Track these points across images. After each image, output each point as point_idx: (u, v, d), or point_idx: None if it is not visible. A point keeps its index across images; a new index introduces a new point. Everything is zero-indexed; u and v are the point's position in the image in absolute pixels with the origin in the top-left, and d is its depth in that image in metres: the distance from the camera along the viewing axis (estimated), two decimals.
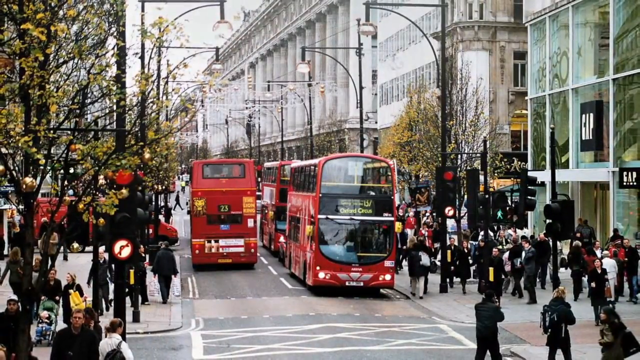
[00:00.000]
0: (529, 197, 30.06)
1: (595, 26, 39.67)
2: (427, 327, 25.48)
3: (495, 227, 38.43)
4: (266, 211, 48.09)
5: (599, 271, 25.69)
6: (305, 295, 32.00)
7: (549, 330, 19.26)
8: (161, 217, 52.53)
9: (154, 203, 42.27)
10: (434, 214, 41.36)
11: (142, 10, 28.66)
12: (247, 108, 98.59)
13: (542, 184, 37.22)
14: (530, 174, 32.53)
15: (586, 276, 27.94)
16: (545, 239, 31.13)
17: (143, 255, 30.46)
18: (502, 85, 53.61)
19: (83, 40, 15.18)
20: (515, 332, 24.18)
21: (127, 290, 22.95)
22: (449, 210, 32.83)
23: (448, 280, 32.71)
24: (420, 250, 31.72)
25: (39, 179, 14.38)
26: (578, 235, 32.57)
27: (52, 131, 14.42)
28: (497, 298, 26.07)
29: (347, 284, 31.37)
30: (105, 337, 15.70)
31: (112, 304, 23.37)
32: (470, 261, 33.84)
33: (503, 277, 30.28)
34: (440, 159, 36.52)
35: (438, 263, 33.80)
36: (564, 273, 30.59)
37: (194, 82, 49.64)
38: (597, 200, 39.71)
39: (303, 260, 33.78)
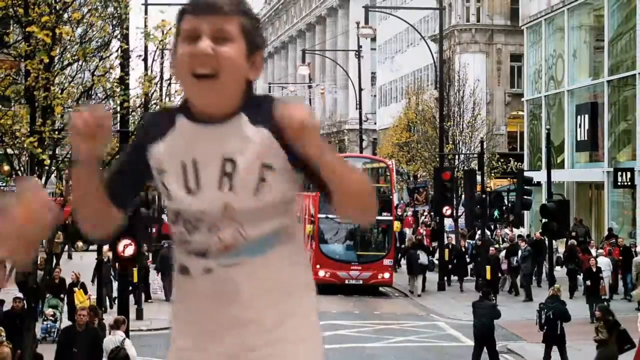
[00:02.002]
0: (525, 197, 30.38)
1: (590, 29, 39.96)
2: (425, 325, 25.67)
3: (492, 226, 38.68)
4: None
5: (594, 269, 25.82)
6: None
7: (545, 327, 19.32)
8: (164, 216, 52.61)
9: (157, 202, 42.48)
10: (432, 214, 41.68)
11: (146, 13, 28.97)
12: None
13: (538, 184, 37.42)
14: (526, 174, 32.93)
15: (581, 274, 28.14)
16: (541, 237, 31.30)
17: (146, 254, 30.70)
18: (499, 87, 53.85)
19: (87, 42, 15.45)
20: (512, 330, 24.23)
21: (130, 288, 23.17)
22: (446, 210, 33.13)
23: (446, 278, 32.93)
24: (418, 249, 31.91)
25: (44, 179, 14.67)
26: (573, 234, 32.80)
27: (57, 132, 14.70)
28: (494, 296, 26.25)
29: (346, 282, 31.53)
30: (109, 334, 15.67)
31: (116, 302, 23.57)
32: (468, 260, 34.07)
33: (500, 275, 30.48)
34: (438, 159, 36.84)
35: (436, 261, 34.02)
36: (560, 271, 30.76)
37: None
38: (592, 200, 39.94)
39: None
